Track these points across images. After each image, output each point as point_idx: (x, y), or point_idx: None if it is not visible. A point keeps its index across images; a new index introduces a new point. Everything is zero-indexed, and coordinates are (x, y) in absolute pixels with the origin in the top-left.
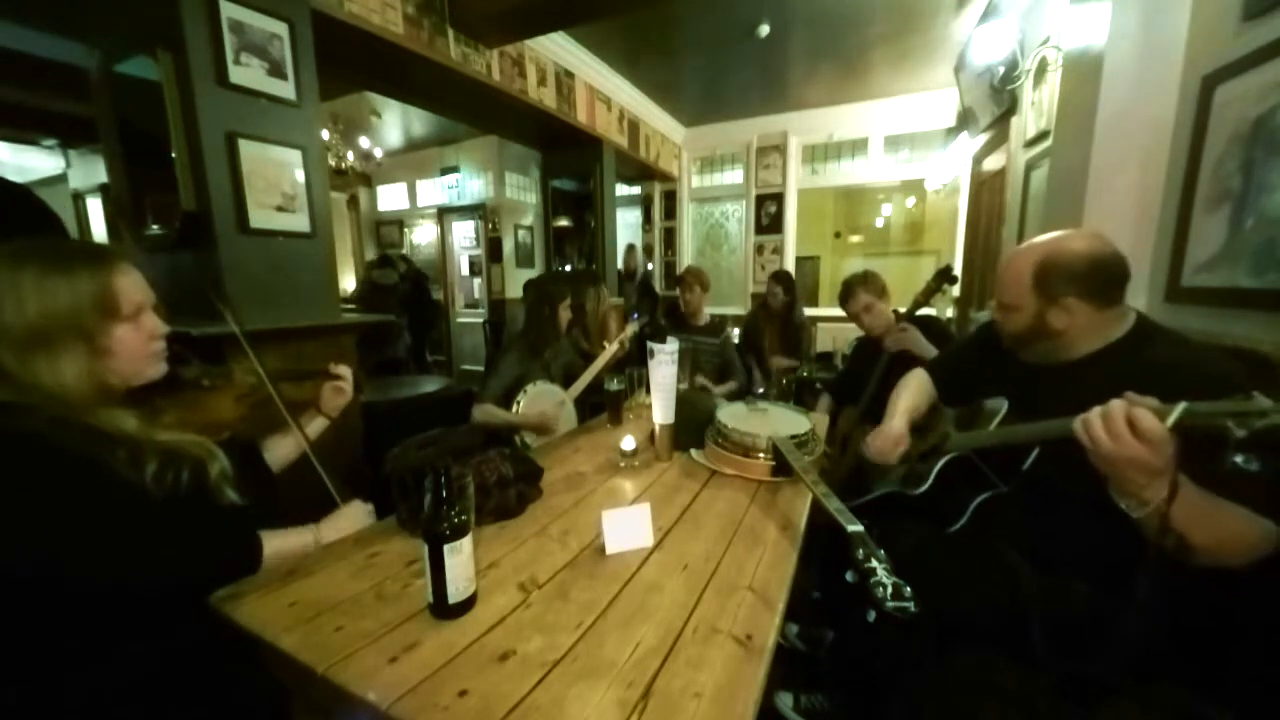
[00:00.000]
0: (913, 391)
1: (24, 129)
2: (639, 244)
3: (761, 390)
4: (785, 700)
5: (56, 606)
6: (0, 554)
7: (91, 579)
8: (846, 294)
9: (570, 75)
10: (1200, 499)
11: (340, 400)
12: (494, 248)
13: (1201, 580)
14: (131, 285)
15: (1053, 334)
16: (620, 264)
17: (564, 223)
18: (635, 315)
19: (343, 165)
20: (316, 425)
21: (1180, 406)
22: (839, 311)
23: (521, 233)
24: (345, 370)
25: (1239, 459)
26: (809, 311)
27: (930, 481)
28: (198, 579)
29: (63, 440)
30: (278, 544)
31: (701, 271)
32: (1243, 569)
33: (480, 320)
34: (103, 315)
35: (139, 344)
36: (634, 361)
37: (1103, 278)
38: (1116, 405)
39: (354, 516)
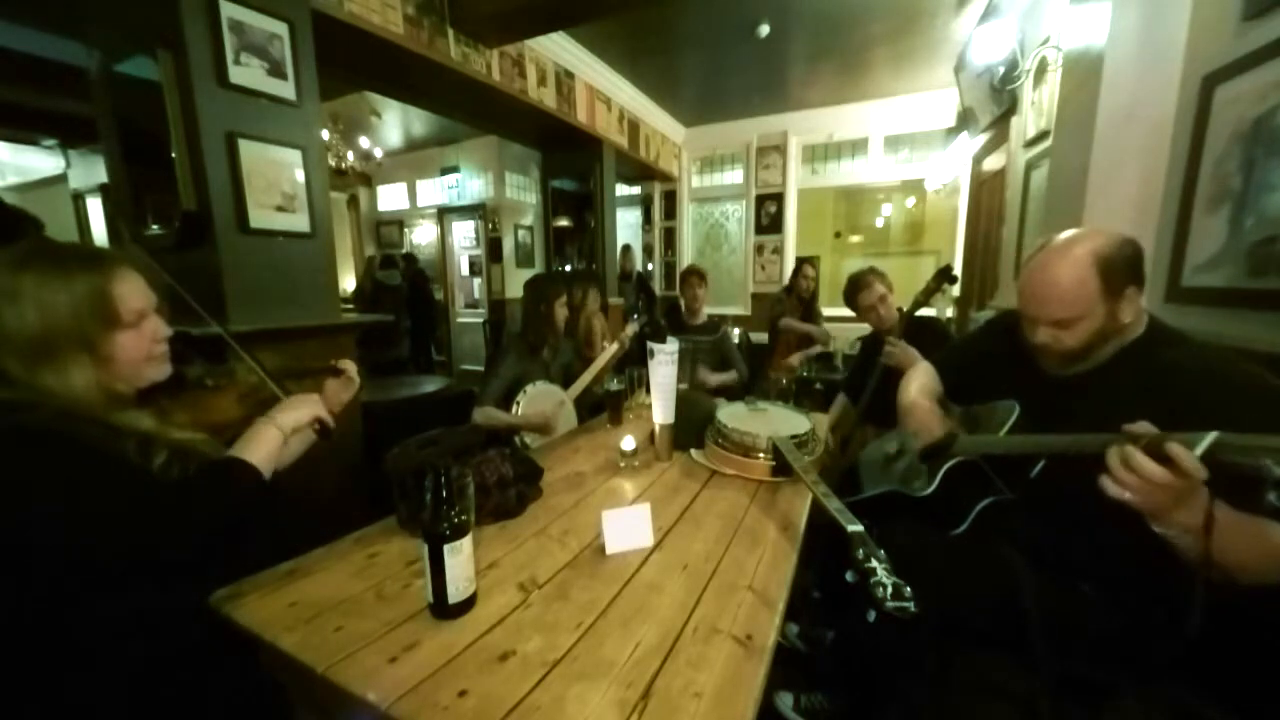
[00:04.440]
0: (920, 378)
1: (24, 129)
2: (638, 244)
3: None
4: (785, 700)
5: (60, 602)
6: (13, 542)
7: (110, 551)
8: (857, 288)
9: (570, 75)
10: (1237, 520)
11: (346, 394)
12: (494, 248)
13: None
14: (131, 291)
15: (1121, 329)
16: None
17: (564, 223)
18: (635, 315)
19: (343, 165)
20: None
21: (1209, 438)
22: (839, 311)
23: (521, 233)
24: (349, 364)
25: (1272, 496)
26: None
27: (936, 484)
28: (219, 522)
29: (72, 430)
30: (256, 453)
31: (703, 270)
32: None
33: (480, 320)
34: (103, 324)
35: (141, 349)
36: (634, 361)
37: (1140, 258)
38: (1138, 456)
39: (307, 399)
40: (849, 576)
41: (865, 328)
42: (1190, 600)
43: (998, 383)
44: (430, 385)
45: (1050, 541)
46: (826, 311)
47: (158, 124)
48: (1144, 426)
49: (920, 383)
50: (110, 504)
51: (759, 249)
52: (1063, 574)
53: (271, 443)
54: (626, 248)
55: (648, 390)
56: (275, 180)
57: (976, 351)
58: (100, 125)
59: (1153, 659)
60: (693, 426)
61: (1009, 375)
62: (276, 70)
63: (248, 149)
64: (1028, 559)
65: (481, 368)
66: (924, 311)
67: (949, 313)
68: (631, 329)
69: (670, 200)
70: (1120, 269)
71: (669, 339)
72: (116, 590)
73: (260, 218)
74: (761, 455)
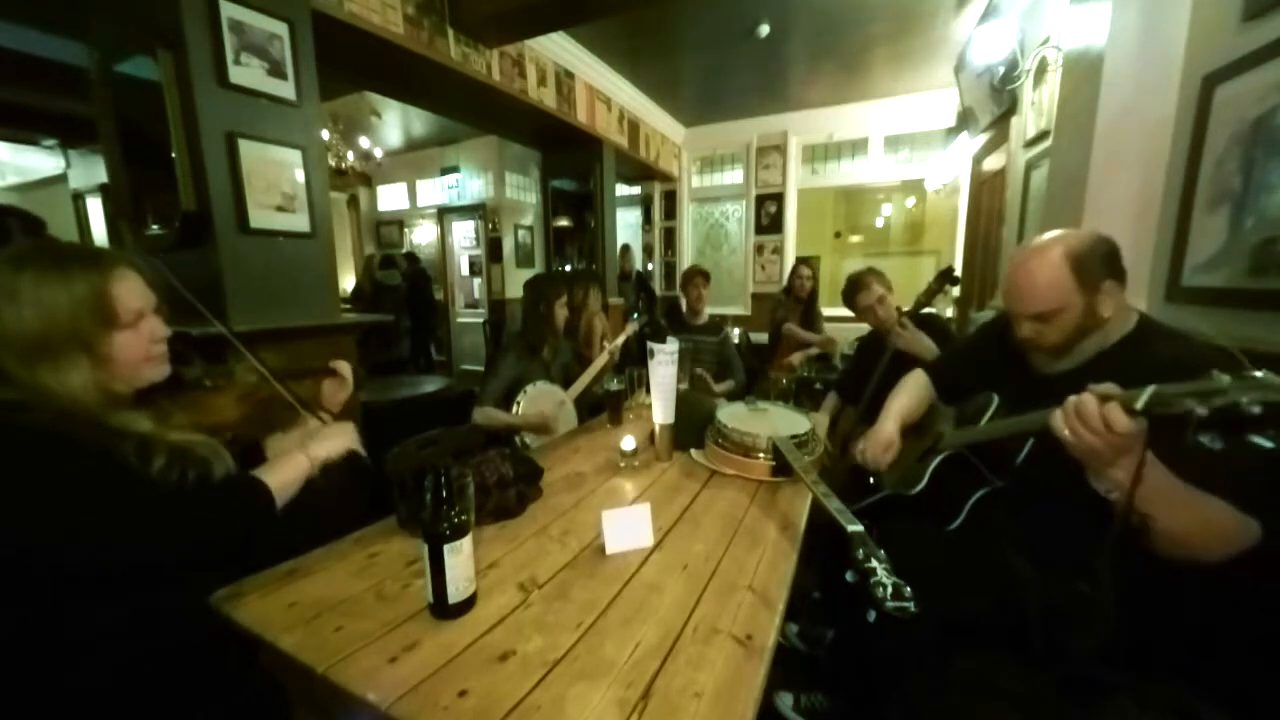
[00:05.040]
0: (908, 393)
1: (24, 129)
2: (638, 244)
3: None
4: (785, 700)
5: (61, 601)
6: (10, 542)
7: (107, 557)
8: (856, 288)
9: (570, 75)
10: (1174, 486)
11: (342, 395)
12: (494, 248)
13: (1199, 580)
14: (129, 291)
15: (1100, 324)
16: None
17: (564, 223)
18: (635, 315)
19: (343, 165)
20: (315, 423)
21: (1149, 391)
22: (839, 311)
23: (521, 233)
24: (344, 365)
25: (1203, 438)
26: None
27: (925, 481)
28: (216, 536)
29: (71, 431)
30: (278, 478)
31: (706, 270)
32: (1223, 564)
33: (480, 320)
34: (101, 324)
35: (139, 349)
36: (634, 361)
37: (1117, 253)
38: (1089, 400)
39: (343, 430)
40: (849, 576)
41: (865, 328)
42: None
43: (991, 382)
44: (430, 385)
45: (1039, 529)
46: (827, 311)
47: (158, 124)
48: (1107, 387)
49: (900, 405)
50: (107, 508)
51: (759, 249)
52: (1057, 563)
53: (297, 471)
54: (625, 248)
55: (648, 390)
56: (275, 180)
57: (971, 354)
58: (100, 125)
59: (1110, 633)
60: (693, 426)
61: (1002, 375)
62: (276, 70)
63: (248, 149)
64: (1022, 550)
65: (481, 368)
66: (925, 311)
67: (949, 313)
68: (631, 329)
69: (670, 200)
70: (1093, 264)
71: (669, 339)
72: (116, 592)
73: (260, 218)
74: (761, 455)
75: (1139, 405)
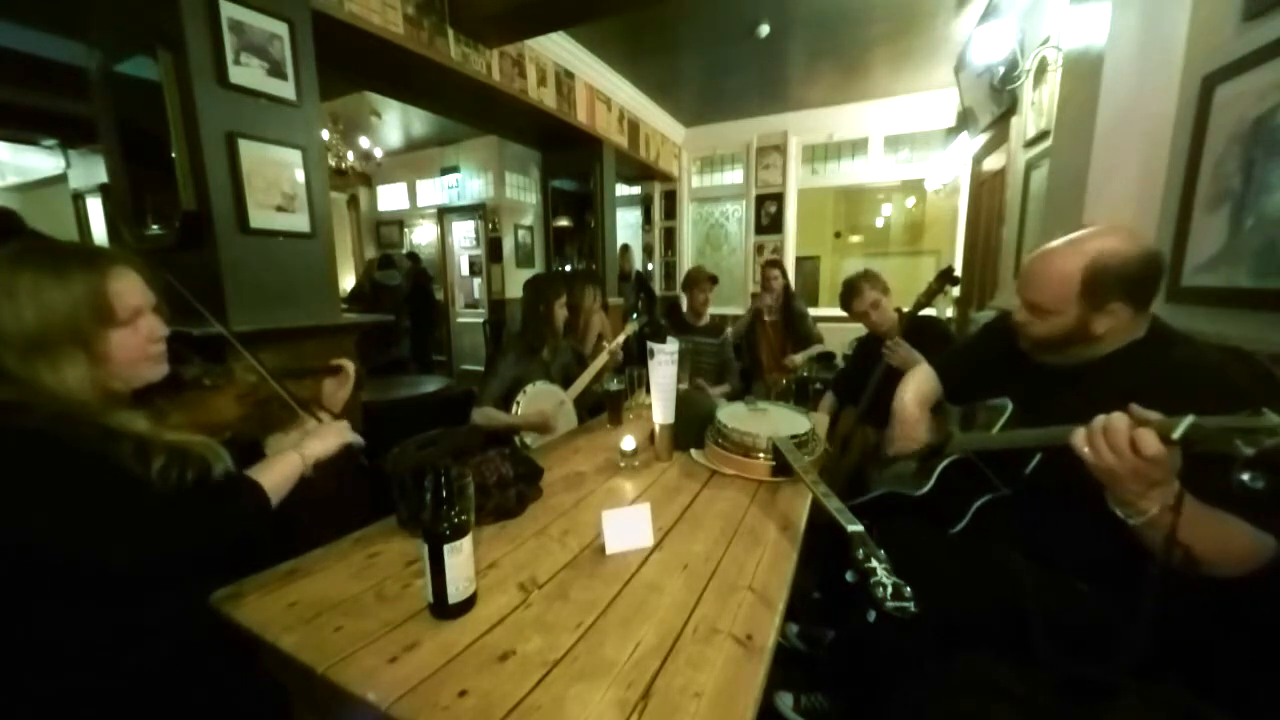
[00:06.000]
0: (919, 381)
1: (24, 129)
2: (638, 244)
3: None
4: (785, 700)
5: (62, 602)
6: (7, 543)
7: (103, 561)
8: (851, 293)
9: (570, 75)
10: (1198, 510)
11: (343, 393)
12: (494, 248)
13: (1201, 585)
14: (127, 289)
15: (1091, 339)
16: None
17: (564, 223)
18: (635, 315)
19: (343, 165)
20: (314, 423)
21: (1186, 421)
22: (839, 311)
23: (521, 233)
24: (347, 363)
25: (1245, 477)
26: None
27: (932, 482)
28: (213, 539)
29: (68, 434)
30: (272, 477)
31: (713, 275)
32: (1238, 578)
33: (480, 320)
34: (99, 322)
35: (137, 348)
36: (634, 361)
37: (1151, 279)
38: (1120, 420)
39: (336, 428)
40: (849, 576)
41: (860, 328)
42: (1147, 588)
43: (996, 378)
44: (430, 385)
45: (1045, 538)
46: (828, 312)
47: (158, 124)
48: (1151, 414)
49: (915, 388)
50: (104, 511)
51: (759, 249)
52: (1060, 570)
53: (290, 469)
54: (625, 247)
55: (648, 390)
56: (275, 180)
57: (975, 352)
58: (100, 125)
59: (1141, 655)
60: (693, 426)
61: (1007, 370)
62: (276, 70)
63: (248, 149)
64: (1026, 556)
65: (481, 368)
66: (925, 312)
67: (949, 313)
68: (631, 329)
69: (670, 200)
70: (1109, 282)
71: (669, 339)
72: (115, 593)
73: (260, 218)
74: (761, 455)
75: (1176, 435)
